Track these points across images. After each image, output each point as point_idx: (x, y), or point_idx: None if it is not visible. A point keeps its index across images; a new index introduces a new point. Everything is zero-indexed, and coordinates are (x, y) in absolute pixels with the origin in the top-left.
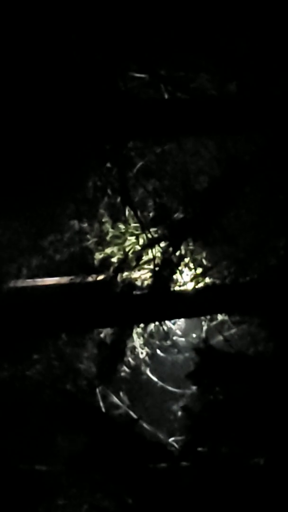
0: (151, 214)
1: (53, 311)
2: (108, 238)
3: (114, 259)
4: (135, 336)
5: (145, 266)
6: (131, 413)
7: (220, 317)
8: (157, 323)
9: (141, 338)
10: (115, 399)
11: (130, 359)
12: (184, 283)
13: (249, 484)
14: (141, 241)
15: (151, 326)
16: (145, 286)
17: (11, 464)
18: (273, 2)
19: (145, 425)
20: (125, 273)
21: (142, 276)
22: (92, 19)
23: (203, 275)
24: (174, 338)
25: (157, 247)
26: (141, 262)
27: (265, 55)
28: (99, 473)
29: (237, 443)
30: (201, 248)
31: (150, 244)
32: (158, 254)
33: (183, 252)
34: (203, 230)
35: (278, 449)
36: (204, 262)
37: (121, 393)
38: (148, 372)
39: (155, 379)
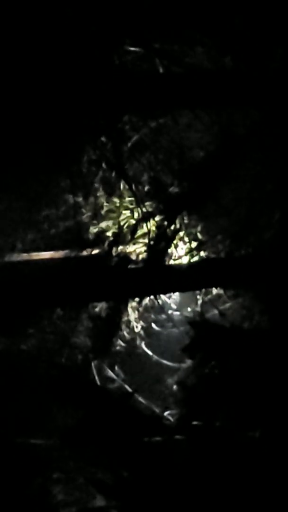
0: (146, 188)
1: (48, 285)
2: (102, 212)
3: (109, 233)
4: (130, 310)
5: (140, 240)
6: (126, 386)
7: (215, 291)
8: (152, 297)
9: (136, 312)
10: (110, 373)
11: (125, 333)
12: (179, 257)
13: (245, 458)
14: (136, 215)
15: (146, 300)
16: (140, 260)
17: (6, 438)
18: None
19: (140, 398)
20: (120, 247)
21: (137, 250)
22: None
23: (198, 249)
24: (169, 312)
25: (152, 221)
26: (136, 236)
27: (260, 29)
28: (94, 446)
29: (232, 416)
30: (196, 222)
31: (145, 218)
32: (153, 228)
33: (178, 226)
34: (198, 204)
35: (273, 423)
36: (199, 236)
37: (116, 367)
38: (143, 346)
39: (150, 353)
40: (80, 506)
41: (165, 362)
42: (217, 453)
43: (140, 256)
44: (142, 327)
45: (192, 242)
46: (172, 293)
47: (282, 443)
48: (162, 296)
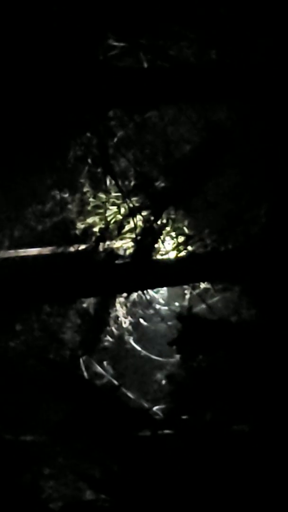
0: (132, 183)
1: (36, 281)
2: (89, 208)
3: (96, 229)
4: (118, 305)
5: (127, 236)
6: (115, 382)
7: (203, 285)
8: (139, 292)
9: (124, 307)
10: (99, 369)
11: (113, 328)
12: (166, 252)
13: (234, 451)
14: (122, 211)
15: (134, 295)
16: (127, 255)
17: None
18: None
19: (129, 393)
20: (107, 243)
21: (124, 245)
22: None
23: (185, 243)
24: (157, 306)
25: (138, 216)
26: (123, 231)
27: (244, 22)
28: (84, 441)
29: (220, 410)
30: (183, 217)
31: (132, 213)
32: (140, 223)
33: (164, 221)
34: (184, 198)
35: (262, 416)
36: (186, 230)
37: (104, 363)
38: (131, 341)
39: (138, 348)
40: (70, 500)
41: (153, 357)
42: (206, 447)
43: (127, 252)
44: (130, 322)
45: (179, 237)
46: (159, 288)
47: (271, 436)
48: (149, 291)
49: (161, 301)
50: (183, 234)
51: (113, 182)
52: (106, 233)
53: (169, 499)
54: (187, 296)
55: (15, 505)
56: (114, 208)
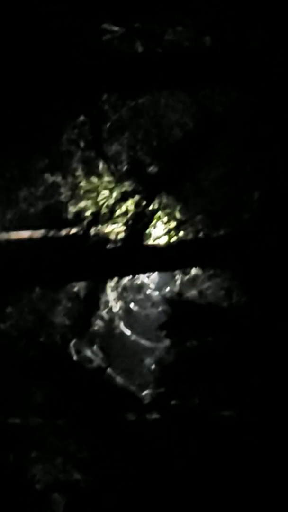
0: (124, 168)
1: (27, 264)
2: (81, 192)
3: (88, 213)
4: (108, 290)
5: (119, 220)
6: (104, 366)
7: (193, 270)
8: (130, 277)
9: (115, 291)
10: (89, 353)
11: (103, 312)
12: (158, 237)
13: (221, 436)
14: (114, 195)
15: (125, 280)
16: (119, 240)
17: None
18: None
19: (118, 378)
20: (99, 227)
21: (116, 230)
22: None
23: (177, 229)
24: (148, 291)
25: (130, 201)
26: (115, 216)
27: (239, 8)
28: (72, 424)
29: (209, 395)
30: (175, 202)
31: (124, 198)
32: (132, 208)
33: (156, 206)
34: (177, 183)
35: (250, 401)
36: (178, 216)
37: (94, 346)
38: (121, 325)
39: (128, 332)
40: (56, 481)
41: (143, 341)
42: (193, 431)
43: (119, 236)
44: (121, 307)
45: (171, 222)
46: (150, 273)
47: (259, 421)
48: (140, 276)
49: (152, 286)
50: (175, 219)
51: (105, 166)
52: (98, 217)
53: (155, 482)
54: (178, 282)
55: (1, 486)
56: (106, 193)
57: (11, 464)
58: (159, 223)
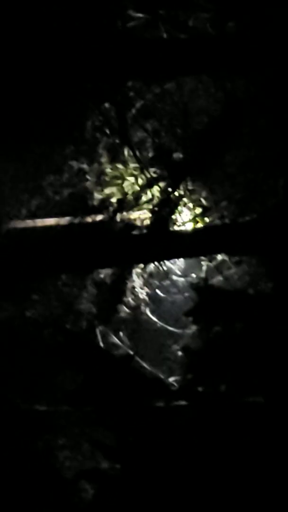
0: (150, 154)
1: (53, 251)
2: (107, 178)
3: (113, 200)
4: (134, 276)
5: (144, 206)
6: (131, 352)
7: (219, 257)
8: (156, 263)
9: (141, 278)
10: (115, 339)
11: (129, 299)
12: (183, 223)
13: (248, 423)
14: (140, 182)
15: (151, 266)
16: (144, 226)
17: (12, 404)
18: None
19: (144, 364)
20: (124, 214)
21: (141, 216)
22: None
23: (203, 215)
24: (174, 278)
25: (156, 187)
26: (140, 202)
27: None
28: (99, 412)
29: (236, 382)
30: (201, 188)
31: (149, 184)
32: (157, 194)
33: (182, 192)
34: (202, 170)
35: (277, 388)
36: (204, 202)
37: (121, 333)
38: (148, 312)
39: (154, 319)
40: (83, 469)
41: (169, 328)
42: (221, 419)
43: (145, 222)
44: (147, 293)
45: (197, 208)
46: (176, 259)
47: (286, 408)
48: (166, 262)
49: (178, 272)
50: (200, 205)
51: (131, 153)
52: (124, 204)
53: (183, 469)
54: (204, 268)
55: (28, 474)
56: (132, 179)
57: (38, 452)
58: (184, 209)
